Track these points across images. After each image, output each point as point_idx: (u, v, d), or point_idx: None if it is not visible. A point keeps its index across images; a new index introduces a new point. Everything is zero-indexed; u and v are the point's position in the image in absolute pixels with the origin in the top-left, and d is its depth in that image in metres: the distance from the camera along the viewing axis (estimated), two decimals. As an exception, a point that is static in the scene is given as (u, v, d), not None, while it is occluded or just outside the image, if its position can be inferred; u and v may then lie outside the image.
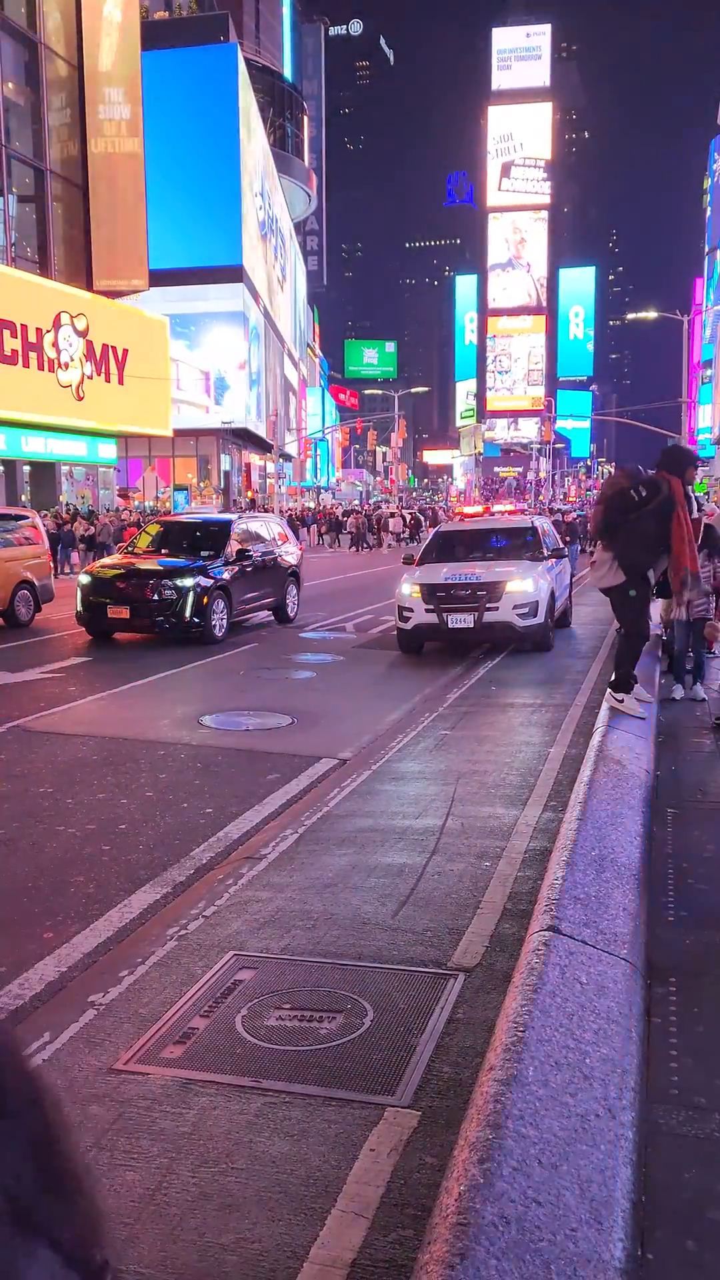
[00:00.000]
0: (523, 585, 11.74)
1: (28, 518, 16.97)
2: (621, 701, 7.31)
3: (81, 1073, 3.27)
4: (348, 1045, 3.38)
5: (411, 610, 11.98)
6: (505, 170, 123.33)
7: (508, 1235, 1.95)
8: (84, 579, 14.16)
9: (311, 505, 62.04)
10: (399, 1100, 3.05)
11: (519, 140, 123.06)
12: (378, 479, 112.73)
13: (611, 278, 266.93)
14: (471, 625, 11.61)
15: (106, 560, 15.57)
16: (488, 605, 11.59)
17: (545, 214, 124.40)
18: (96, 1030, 3.54)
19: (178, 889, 4.97)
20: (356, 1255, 2.41)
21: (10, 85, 31.91)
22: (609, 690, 7.58)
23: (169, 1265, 2.42)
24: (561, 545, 14.41)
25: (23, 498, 32.12)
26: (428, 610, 11.80)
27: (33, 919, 4.64)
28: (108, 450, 36.85)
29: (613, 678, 7.65)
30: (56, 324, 31.18)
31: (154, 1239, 2.50)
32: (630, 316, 53.34)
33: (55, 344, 31.08)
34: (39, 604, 16.19)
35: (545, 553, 13.04)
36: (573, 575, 24.33)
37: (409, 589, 12.07)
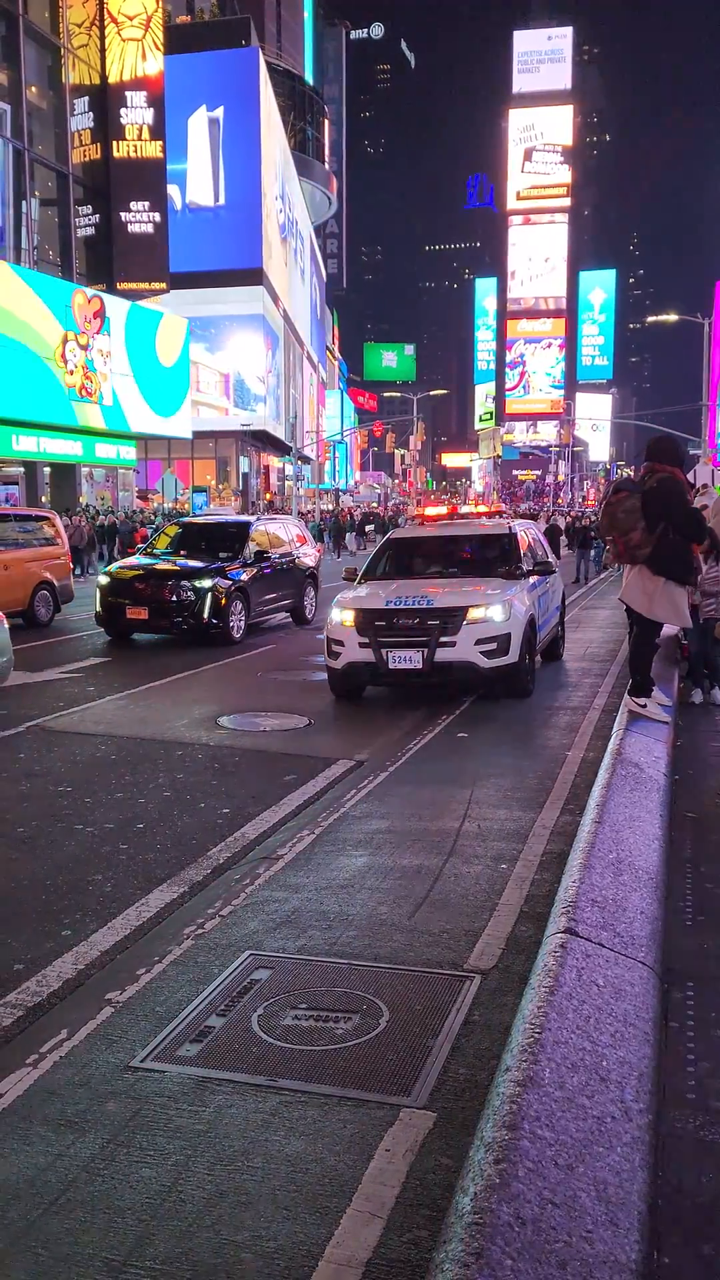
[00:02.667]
0: (490, 612, 9.02)
1: (48, 518, 17.08)
2: (644, 706, 7.29)
3: (99, 1070, 3.29)
4: (364, 1046, 3.38)
5: (342, 644, 9.28)
6: (527, 155, 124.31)
7: (523, 1236, 1.95)
8: (103, 580, 14.24)
9: (329, 507, 62.09)
10: (415, 1101, 3.05)
11: (540, 130, 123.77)
12: (396, 482, 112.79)
13: (632, 280, 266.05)
14: (420, 667, 8.96)
15: (125, 561, 15.65)
16: (442, 639, 8.89)
17: (566, 207, 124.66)
18: (114, 1028, 3.56)
19: (195, 888, 4.98)
20: (372, 1255, 2.42)
21: (34, 89, 32.15)
22: (628, 696, 7.56)
23: (185, 1261, 2.43)
24: (549, 558, 11.57)
25: (43, 499, 32.31)
26: (362, 645, 9.11)
27: (51, 916, 4.66)
28: (127, 452, 36.63)
29: (630, 684, 7.63)
30: (76, 325, 31.34)
31: (170, 1235, 2.52)
32: (650, 319, 53.20)
33: (75, 346, 31.24)
34: (58, 604, 16.30)
35: (524, 568, 10.23)
36: (574, 581, 24.03)
37: (339, 615, 9.40)
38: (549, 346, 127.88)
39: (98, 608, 14.09)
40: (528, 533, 11.54)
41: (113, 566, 15.05)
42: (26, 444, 29.88)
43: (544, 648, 10.97)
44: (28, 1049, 3.46)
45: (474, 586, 9.55)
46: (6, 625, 9.78)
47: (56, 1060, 3.37)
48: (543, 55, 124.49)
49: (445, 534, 11.60)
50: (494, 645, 8.98)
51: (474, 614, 9.00)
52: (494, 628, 8.99)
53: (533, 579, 10.24)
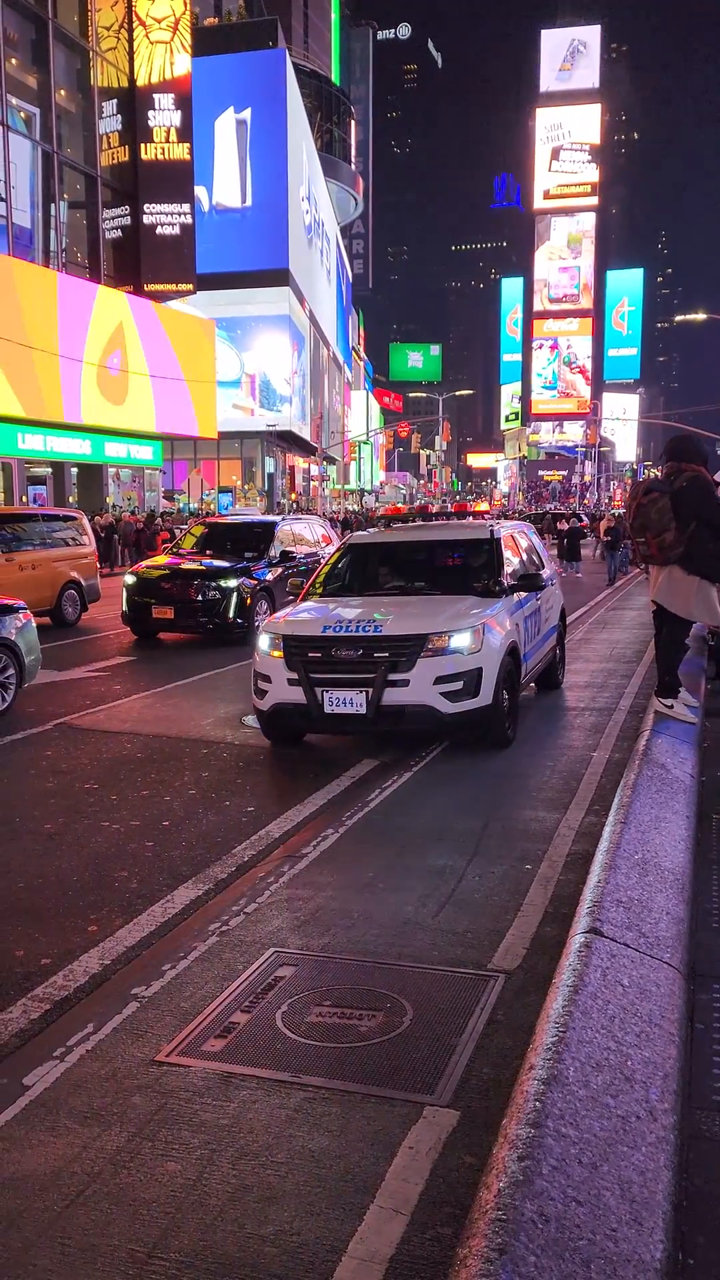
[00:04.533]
0: (455, 641, 7.19)
1: (75, 518, 17.21)
2: (671, 707, 7.24)
3: (124, 1064, 3.32)
4: (387, 1044, 3.39)
5: (269, 680, 7.52)
6: (555, 154, 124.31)
7: (547, 1232, 1.95)
8: (129, 579, 14.32)
9: (355, 508, 62.11)
10: (438, 1099, 3.06)
11: (568, 128, 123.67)
12: (421, 482, 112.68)
13: (660, 279, 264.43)
14: (363, 711, 7.10)
15: (152, 561, 15.74)
16: (391, 677, 7.07)
17: (593, 205, 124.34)
18: (139, 1022, 3.59)
19: (219, 885, 5.01)
20: (395, 1251, 2.42)
21: (62, 92, 32.39)
22: (655, 696, 7.52)
23: (209, 1254, 2.44)
24: (540, 570, 9.52)
25: (70, 499, 32.51)
26: (292, 682, 7.33)
27: (77, 912, 4.70)
28: (139, 451, 36.26)
29: (657, 685, 7.59)
30: (102, 328, 31.52)
31: (194, 1228, 2.53)
32: (679, 318, 52.84)
33: (101, 348, 31.41)
34: (85, 604, 16.41)
35: (506, 582, 8.30)
36: (614, 576, 23.89)
37: (266, 643, 7.63)
38: (570, 348, 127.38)
39: (124, 607, 14.18)
40: (521, 536, 9.78)
41: (139, 565, 15.12)
42: (32, 442, 29.61)
43: (536, 677, 9.27)
44: (55, 1042, 3.49)
45: (439, 607, 7.73)
46: (35, 624, 9.86)
47: (83, 1054, 3.40)
48: (571, 54, 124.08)
49: (412, 539, 9.68)
50: (459, 684, 7.13)
51: (434, 643, 7.17)
52: (460, 661, 7.15)
53: (518, 597, 8.38)
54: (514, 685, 7.84)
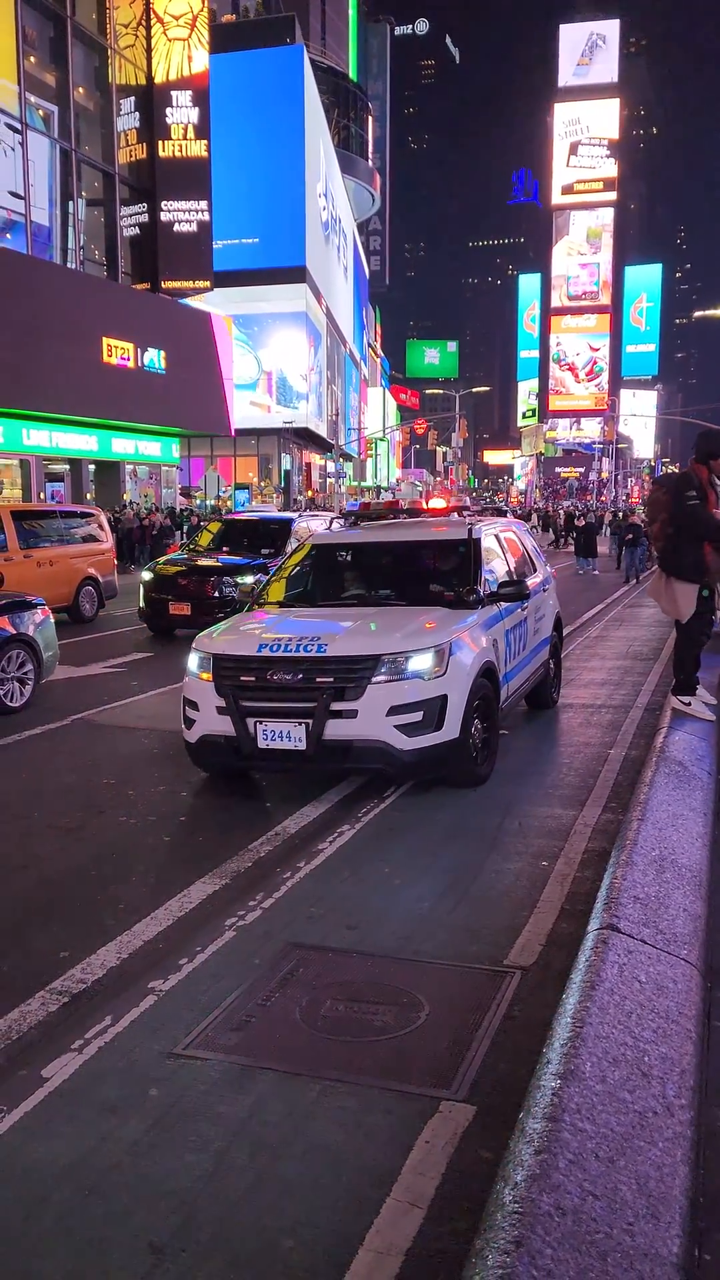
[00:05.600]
0: (414, 663, 6.08)
1: (93, 515, 17.28)
2: (688, 705, 7.22)
3: (142, 1056, 3.34)
4: (403, 1038, 3.40)
5: (197, 707, 6.49)
6: (573, 149, 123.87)
7: (564, 1225, 1.95)
8: (146, 575, 14.37)
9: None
10: (454, 1094, 3.06)
11: (586, 123, 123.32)
12: (438, 479, 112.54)
13: (679, 275, 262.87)
14: (301, 746, 6.02)
15: (169, 557, 15.79)
16: (335, 706, 5.99)
17: (612, 201, 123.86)
18: (156, 1016, 3.61)
19: (236, 880, 5.02)
20: (411, 1244, 2.43)
21: (81, 90, 32.45)
22: (672, 694, 7.49)
23: (226, 1246, 2.46)
24: (528, 577, 8.31)
25: (88, 496, 32.61)
26: (221, 710, 6.28)
27: (96, 906, 4.73)
28: (147, 447, 35.94)
29: (674, 682, 7.56)
30: (118, 325, 31.58)
31: (211, 1220, 2.55)
32: (698, 314, 52.48)
33: (117, 344, 31.49)
34: (102, 600, 16.48)
35: (484, 590, 7.16)
36: (625, 581, 23.83)
37: (196, 663, 6.63)
38: (594, 352, 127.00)
39: (141, 604, 14.23)
40: (511, 535, 8.68)
41: (157, 562, 15.17)
42: (38, 438, 29.38)
43: (525, 695, 8.20)
44: (73, 1034, 3.51)
45: (399, 621, 6.58)
46: (53, 620, 9.91)
47: (101, 1046, 3.42)
48: (589, 48, 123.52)
49: (380, 540, 8.23)
50: (418, 715, 6.00)
51: (388, 666, 6.04)
52: (420, 687, 6.03)
53: (498, 607, 7.20)
54: (489, 713, 6.67)
